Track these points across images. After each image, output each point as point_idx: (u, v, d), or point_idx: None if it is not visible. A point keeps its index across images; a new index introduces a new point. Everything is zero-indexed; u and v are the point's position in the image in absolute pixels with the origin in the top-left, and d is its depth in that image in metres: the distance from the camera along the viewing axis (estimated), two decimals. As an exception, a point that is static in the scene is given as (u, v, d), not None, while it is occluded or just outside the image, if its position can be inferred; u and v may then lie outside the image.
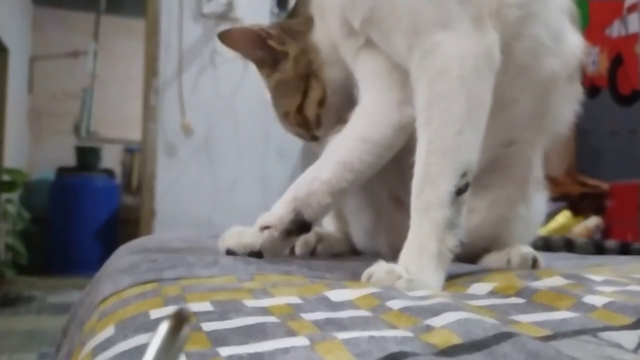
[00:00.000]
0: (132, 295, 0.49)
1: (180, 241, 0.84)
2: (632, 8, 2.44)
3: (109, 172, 4.24)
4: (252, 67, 2.69)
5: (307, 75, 0.74)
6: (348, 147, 0.68)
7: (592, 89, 2.64)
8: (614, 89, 2.54)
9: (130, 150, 4.58)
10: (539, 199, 0.78)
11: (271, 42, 0.77)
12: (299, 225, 0.69)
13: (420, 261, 0.55)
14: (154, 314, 0.42)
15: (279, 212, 0.69)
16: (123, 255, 0.74)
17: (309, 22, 0.77)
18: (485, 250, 0.75)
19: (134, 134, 4.07)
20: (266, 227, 0.69)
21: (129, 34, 4.49)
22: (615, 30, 2.52)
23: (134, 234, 1.75)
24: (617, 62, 2.52)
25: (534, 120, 0.70)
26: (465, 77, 0.57)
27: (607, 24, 2.56)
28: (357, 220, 0.80)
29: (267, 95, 0.81)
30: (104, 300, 0.52)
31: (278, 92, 0.78)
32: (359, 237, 0.81)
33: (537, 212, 0.78)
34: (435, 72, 0.58)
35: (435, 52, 0.58)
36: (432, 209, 0.56)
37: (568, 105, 0.72)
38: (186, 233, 0.96)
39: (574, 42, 0.69)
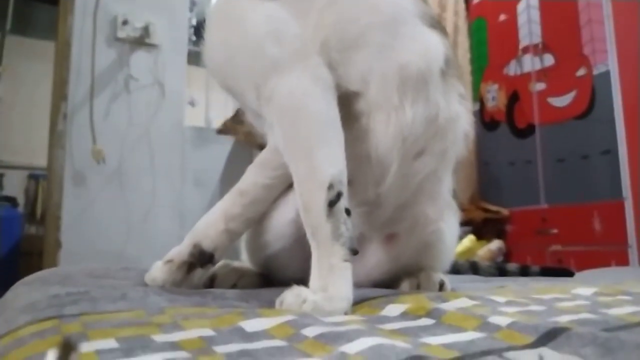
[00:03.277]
0: (28, 334, 0.45)
1: (85, 275, 0.78)
2: (526, 49, 2.67)
3: (11, 200, 3.93)
4: (169, 95, 2.63)
5: (262, 146, 0.77)
6: (245, 175, 0.73)
7: (491, 123, 2.85)
8: (511, 123, 2.75)
9: (34, 177, 4.28)
10: (454, 221, 0.79)
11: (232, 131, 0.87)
12: (201, 257, 0.70)
13: (320, 280, 0.57)
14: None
15: (181, 245, 0.71)
16: (21, 291, 0.68)
17: None
18: (402, 277, 0.77)
19: (39, 160, 3.82)
20: (169, 261, 0.70)
21: (36, 56, 4.25)
22: (512, 69, 2.75)
23: (36, 267, 1.62)
24: (514, 98, 2.74)
25: (428, 124, 0.69)
26: (299, 106, 0.63)
27: (505, 63, 2.78)
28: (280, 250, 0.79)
29: None
30: (-5, 341, 0.48)
31: None
32: (282, 267, 0.80)
33: (452, 235, 0.78)
34: (277, 113, 0.64)
35: (272, 97, 0.64)
36: (316, 229, 0.59)
37: (454, 101, 0.71)
38: (93, 266, 0.90)
39: (430, 41, 0.70)
